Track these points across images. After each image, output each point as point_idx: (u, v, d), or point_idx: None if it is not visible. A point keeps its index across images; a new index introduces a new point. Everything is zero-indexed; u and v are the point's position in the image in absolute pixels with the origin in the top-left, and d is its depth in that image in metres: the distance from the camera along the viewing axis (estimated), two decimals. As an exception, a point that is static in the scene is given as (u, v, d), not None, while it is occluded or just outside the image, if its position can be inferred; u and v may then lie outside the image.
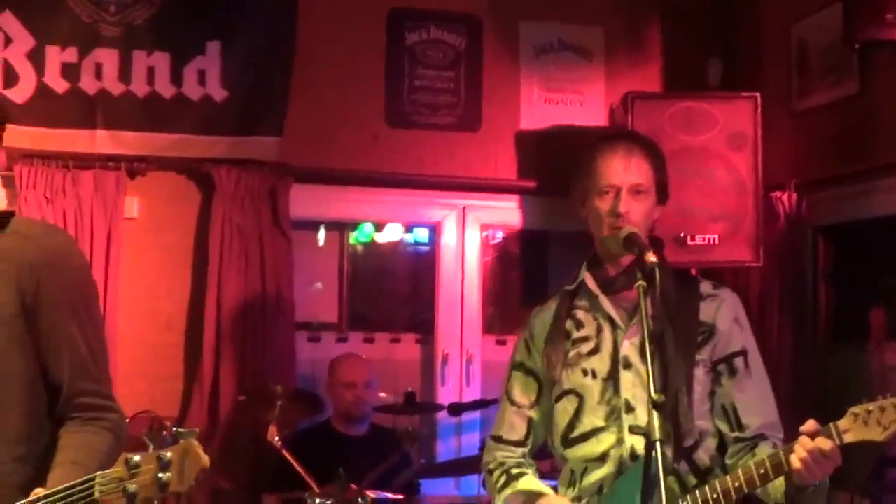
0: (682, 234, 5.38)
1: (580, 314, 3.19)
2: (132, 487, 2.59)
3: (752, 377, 3.08)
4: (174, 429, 2.76)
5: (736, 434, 3.03)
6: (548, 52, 6.40)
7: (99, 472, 2.64)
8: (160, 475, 2.56)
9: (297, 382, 5.81)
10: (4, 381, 2.80)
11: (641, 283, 2.77)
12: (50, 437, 2.86)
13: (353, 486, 4.59)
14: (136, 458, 2.61)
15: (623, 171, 3.05)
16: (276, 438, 4.91)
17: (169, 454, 2.61)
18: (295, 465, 4.82)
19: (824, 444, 2.66)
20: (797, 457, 2.69)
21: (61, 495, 2.66)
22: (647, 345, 2.70)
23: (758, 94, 5.58)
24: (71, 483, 2.65)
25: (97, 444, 2.91)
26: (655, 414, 2.55)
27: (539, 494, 3.18)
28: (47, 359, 2.84)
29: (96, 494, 2.65)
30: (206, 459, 2.62)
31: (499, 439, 3.32)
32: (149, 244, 5.86)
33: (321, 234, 6.71)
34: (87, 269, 3.11)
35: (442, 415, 6.02)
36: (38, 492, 2.71)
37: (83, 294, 2.94)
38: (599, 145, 3.16)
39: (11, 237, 2.82)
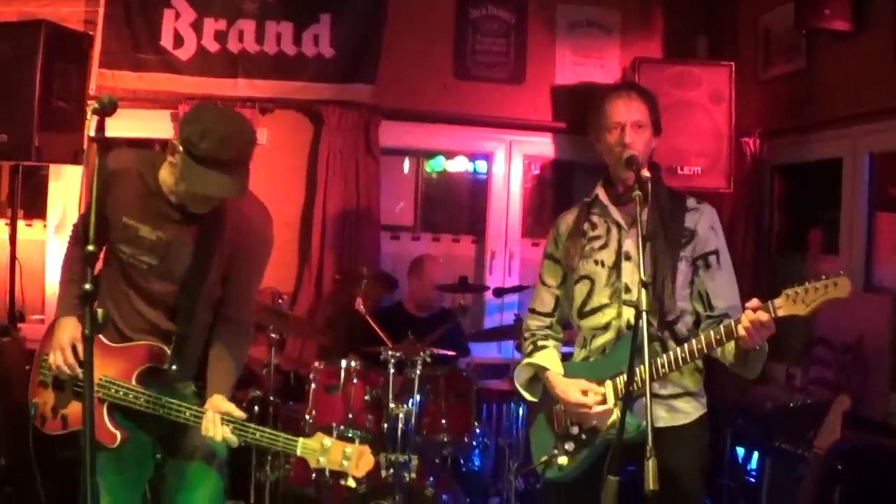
0: (674, 166, 5.99)
1: (595, 218, 3.52)
2: (322, 460, 3.08)
3: (722, 270, 3.37)
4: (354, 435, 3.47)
5: (707, 312, 3.33)
6: (577, 27, 6.99)
7: (301, 438, 3.08)
8: (343, 462, 3.07)
9: (380, 268, 6.36)
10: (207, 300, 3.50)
11: (638, 192, 3.00)
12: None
13: (418, 345, 5.02)
14: (328, 442, 3.08)
15: (625, 110, 3.38)
16: (362, 307, 5.40)
17: (350, 449, 3.08)
18: (375, 327, 5.28)
19: (762, 316, 2.92)
20: (742, 325, 2.95)
21: (270, 435, 3.13)
22: (640, 240, 2.93)
23: (733, 64, 6.20)
24: (278, 433, 3.12)
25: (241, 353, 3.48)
26: (644, 291, 2.77)
27: (544, 370, 3.52)
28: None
29: (298, 452, 3.09)
30: (373, 461, 3.03)
31: (533, 311, 3.69)
32: (274, 164, 6.44)
33: (406, 163, 7.32)
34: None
35: (488, 296, 6.68)
36: (240, 414, 3.14)
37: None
38: (606, 93, 3.48)
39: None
